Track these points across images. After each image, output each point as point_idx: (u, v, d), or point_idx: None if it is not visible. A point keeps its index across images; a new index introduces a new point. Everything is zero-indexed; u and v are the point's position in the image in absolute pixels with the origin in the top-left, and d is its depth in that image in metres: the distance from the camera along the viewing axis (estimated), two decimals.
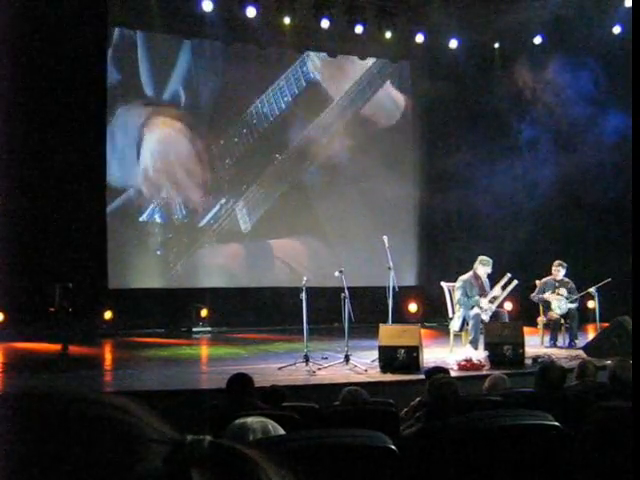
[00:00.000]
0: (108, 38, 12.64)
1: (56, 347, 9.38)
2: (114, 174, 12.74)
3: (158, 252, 13.26)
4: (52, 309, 9.80)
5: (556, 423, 2.77)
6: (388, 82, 14.78)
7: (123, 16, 12.71)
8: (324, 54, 14.18)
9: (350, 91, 14.48)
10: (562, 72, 13.90)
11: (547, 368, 5.01)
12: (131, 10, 12.65)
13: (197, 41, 13.40)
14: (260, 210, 13.86)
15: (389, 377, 7.78)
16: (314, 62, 14.27)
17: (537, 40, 13.81)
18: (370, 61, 14.58)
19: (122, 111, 12.87)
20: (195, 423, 5.82)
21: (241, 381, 4.64)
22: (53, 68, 11.69)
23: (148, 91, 13.10)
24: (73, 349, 9.45)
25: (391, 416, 4.50)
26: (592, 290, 10.27)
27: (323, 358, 8.81)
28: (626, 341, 8.79)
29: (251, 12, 12.37)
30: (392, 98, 14.86)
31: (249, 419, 2.44)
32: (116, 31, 12.83)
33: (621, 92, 13.02)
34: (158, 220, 13.26)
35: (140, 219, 13.12)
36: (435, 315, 13.29)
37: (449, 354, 9.07)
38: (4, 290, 10.92)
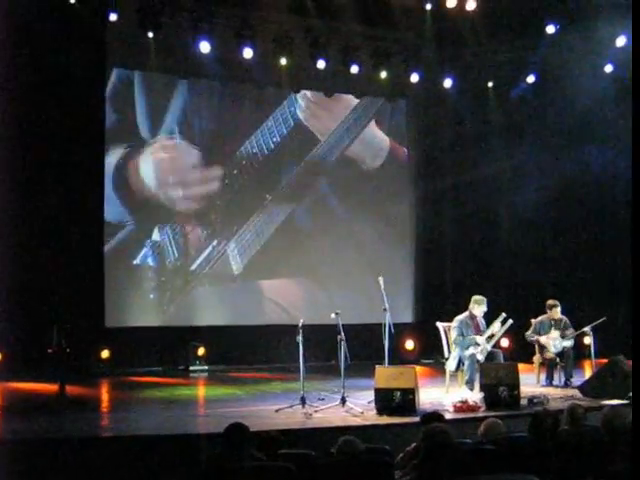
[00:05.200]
0: (106, 79, 12.79)
1: (53, 387, 9.40)
2: (111, 213, 12.77)
3: (151, 296, 13.22)
4: (50, 350, 9.81)
5: None
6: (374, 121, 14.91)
7: (121, 57, 12.85)
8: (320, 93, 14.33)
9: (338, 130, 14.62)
10: (555, 107, 14.10)
11: (540, 417, 5.05)
12: (130, 51, 12.78)
13: (194, 80, 13.51)
14: (252, 251, 13.81)
15: (385, 420, 7.78)
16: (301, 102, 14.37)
17: (530, 79, 13.97)
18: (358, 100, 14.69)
19: (119, 151, 12.92)
20: (192, 470, 5.88)
21: (237, 431, 4.68)
22: (52, 109, 11.81)
23: (144, 131, 13.18)
24: (70, 389, 9.48)
25: (386, 467, 4.54)
26: (587, 329, 10.29)
27: (319, 399, 8.81)
28: (621, 381, 8.82)
29: (248, 53, 12.52)
30: (380, 137, 14.98)
31: None
32: (114, 72, 12.96)
33: (614, 128, 13.24)
34: (151, 263, 13.21)
35: (134, 262, 13.07)
36: (431, 352, 13.29)
37: (445, 395, 9.08)
38: (2, 331, 10.95)
